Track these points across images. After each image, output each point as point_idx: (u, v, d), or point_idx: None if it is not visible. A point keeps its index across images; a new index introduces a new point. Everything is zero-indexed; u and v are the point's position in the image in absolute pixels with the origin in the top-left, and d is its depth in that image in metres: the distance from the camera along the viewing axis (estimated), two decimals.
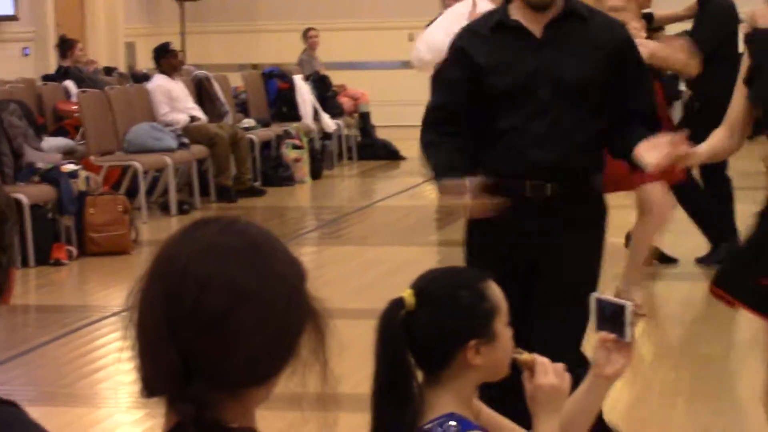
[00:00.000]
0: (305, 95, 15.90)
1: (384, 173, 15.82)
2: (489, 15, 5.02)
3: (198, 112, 13.96)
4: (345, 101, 17.02)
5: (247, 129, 14.36)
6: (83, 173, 11.22)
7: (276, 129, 15.09)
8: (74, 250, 10.74)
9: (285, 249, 2.04)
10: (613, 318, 2.92)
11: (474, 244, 4.90)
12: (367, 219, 12.99)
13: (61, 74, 14.69)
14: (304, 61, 17.25)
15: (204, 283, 1.93)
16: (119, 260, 10.72)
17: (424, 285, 3.02)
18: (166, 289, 1.94)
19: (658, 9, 9.44)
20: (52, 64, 16.26)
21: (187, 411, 1.91)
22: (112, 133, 12.89)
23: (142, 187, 12.38)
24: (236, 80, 16.08)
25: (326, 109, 16.21)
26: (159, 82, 13.75)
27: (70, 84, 13.88)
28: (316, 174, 15.20)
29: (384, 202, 13.71)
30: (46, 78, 14.80)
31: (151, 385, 1.98)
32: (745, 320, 6.66)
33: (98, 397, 7.23)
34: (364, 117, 17.42)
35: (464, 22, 7.77)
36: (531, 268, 4.76)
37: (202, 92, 14.49)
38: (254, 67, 18.23)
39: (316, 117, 15.90)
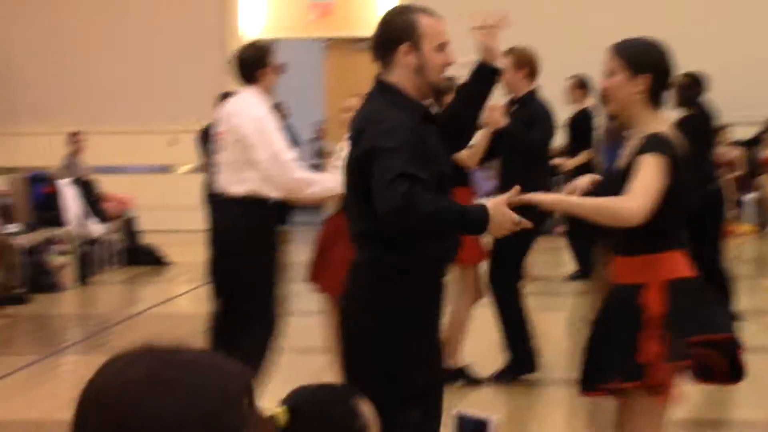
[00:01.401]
0: (71, 200, 15.66)
1: (150, 279, 15.65)
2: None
3: None
4: (111, 205, 16.83)
5: (12, 234, 14.02)
6: None
7: (41, 234, 14.76)
8: None
9: (210, 366, 1.92)
10: None
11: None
12: (137, 328, 12.78)
13: None
14: (69, 165, 17.00)
15: (115, 416, 1.84)
16: None
17: (297, 402, 2.97)
18: (91, 425, 1.86)
19: None
20: None
21: None
22: None
23: None
24: (0, 184, 15.74)
25: (93, 214, 15.98)
26: None
27: None
28: (83, 280, 14.92)
29: (152, 310, 13.55)
30: None
31: None
32: None
33: None
34: (130, 222, 17.26)
35: None
36: None
37: None
38: (10, 170, 17.93)
39: (83, 221, 15.66)
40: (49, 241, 14.72)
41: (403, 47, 4.91)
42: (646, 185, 4.98)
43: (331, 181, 7.86)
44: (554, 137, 9.66)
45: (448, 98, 6.97)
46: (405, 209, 4.62)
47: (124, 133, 19.87)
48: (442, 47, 4.96)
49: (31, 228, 14.81)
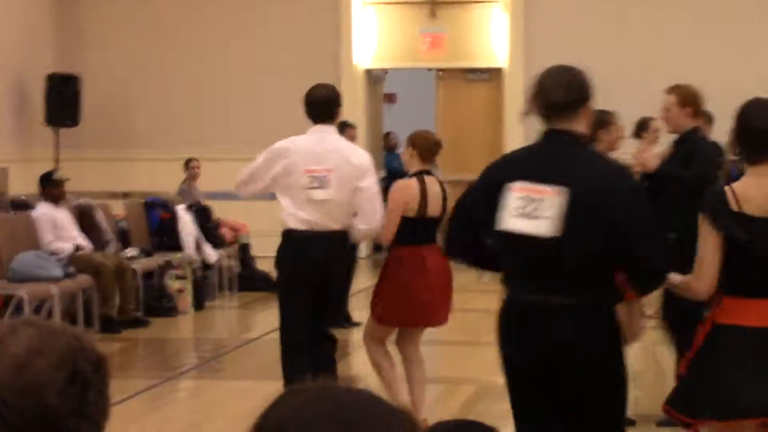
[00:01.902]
0: (187, 225, 15.81)
1: (264, 305, 15.67)
2: None
3: (83, 241, 13.76)
4: (225, 231, 16.97)
5: (130, 258, 14.15)
6: None
7: (158, 259, 14.91)
8: None
9: (381, 410, 1.95)
10: None
11: None
12: (252, 354, 12.79)
13: None
14: (185, 191, 17.16)
15: None
16: None
17: None
18: None
19: None
20: None
21: None
22: None
23: (28, 316, 12.00)
24: (117, 208, 15.90)
25: (207, 240, 16.11)
26: (44, 210, 13.58)
27: None
28: (198, 305, 15.05)
29: (267, 336, 13.57)
30: None
31: None
32: None
33: None
34: (244, 248, 17.38)
35: None
36: None
37: (84, 220, 14.28)
38: (125, 195, 18.11)
39: (198, 247, 15.78)
40: (166, 266, 14.88)
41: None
42: None
43: None
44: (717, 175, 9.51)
45: None
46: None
47: (236, 159, 19.92)
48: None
49: (147, 253, 14.97)
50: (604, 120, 9.27)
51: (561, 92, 5.39)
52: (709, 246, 5.35)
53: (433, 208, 8.55)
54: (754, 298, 5.41)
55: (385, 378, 8.82)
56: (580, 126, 5.44)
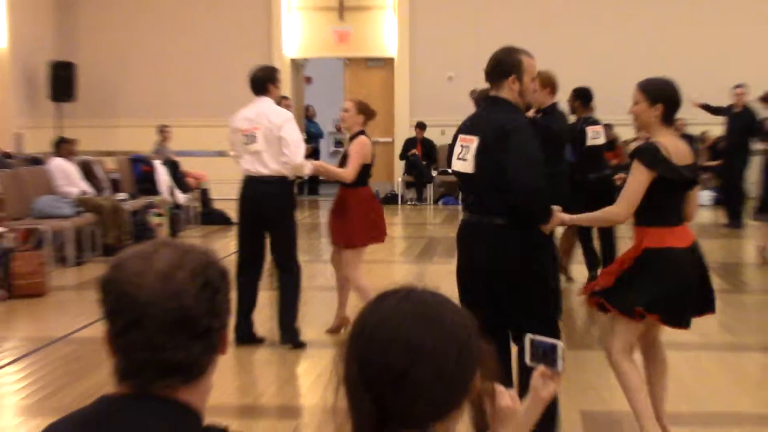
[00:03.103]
0: (162, 176, 15.75)
1: (221, 234, 15.76)
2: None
3: (86, 187, 13.68)
4: (190, 180, 16.89)
5: (121, 200, 14.12)
6: (10, 234, 10.87)
7: (142, 201, 14.84)
8: (4, 293, 10.36)
9: (455, 308, 1.93)
10: (546, 354, 2.74)
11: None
12: None
13: None
14: (159, 150, 17.06)
15: (386, 347, 1.84)
16: (38, 301, 10.39)
17: None
18: (358, 352, 1.88)
19: None
20: None
21: None
22: (22, 203, 12.52)
23: (48, 244, 12.01)
24: (109, 163, 15.82)
25: (177, 186, 16.06)
26: (57, 163, 13.43)
27: None
28: (173, 235, 15.00)
29: (226, 258, 13.63)
30: None
31: (357, 427, 1.88)
32: None
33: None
34: (204, 192, 17.32)
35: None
36: None
37: (86, 172, 14.20)
38: (111, 154, 17.99)
39: (171, 192, 15.76)
40: (148, 206, 14.77)
41: (511, 78, 5.20)
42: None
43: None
44: (568, 134, 9.66)
45: None
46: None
47: (197, 126, 19.95)
48: (534, 78, 5.27)
49: (133, 196, 14.89)
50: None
51: (489, 65, 5.27)
52: (641, 181, 5.13)
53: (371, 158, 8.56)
54: (675, 225, 5.28)
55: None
56: (506, 92, 5.20)
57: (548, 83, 9.10)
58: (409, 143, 19.98)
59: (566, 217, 5.32)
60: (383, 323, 1.86)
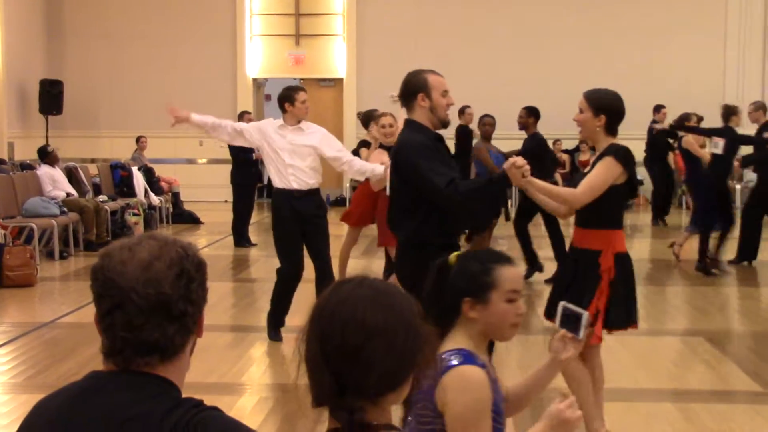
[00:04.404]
0: (139, 180, 15.57)
1: (190, 232, 15.63)
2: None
3: (71, 190, 13.50)
4: (163, 184, 16.71)
5: (102, 202, 13.94)
6: (2, 231, 10.67)
7: (120, 202, 14.66)
8: None
9: (402, 294, 1.95)
10: (572, 321, 2.75)
11: None
12: None
13: None
14: (136, 158, 16.90)
15: (344, 325, 1.85)
16: (27, 291, 10.21)
17: (463, 255, 2.82)
18: (319, 332, 1.88)
19: None
20: None
21: (342, 417, 1.85)
22: (14, 203, 12.31)
23: (36, 240, 11.81)
24: (91, 169, 15.61)
25: (152, 190, 15.88)
26: (45, 170, 13.24)
27: None
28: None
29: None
30: None
31: (317, 399, 1.88)
32: None
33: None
34: (176, 195, 17.12)
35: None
36: None
37: (71, 176, 14.02)
38: (93, 161, 17.77)
39: (146, 194, 15.58)
40: (126, 207, 14.61)
41: (420, 96, 4.82)
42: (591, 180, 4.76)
43: None
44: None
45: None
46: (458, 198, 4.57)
47: (170, 137, 19.73)
48: (445, 93, 4.86)
49: (113, 198, 14.68)
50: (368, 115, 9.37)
51: (400, 89, 4.93)
52: (612, 176, 4.72)
53: None
54: (620, 229, 4.91)
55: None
56: (418, 112, 4.82)
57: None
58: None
59: (530, 180, 4.54)
60: (341, 306, 1.87)
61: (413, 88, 4.84)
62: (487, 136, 11.53)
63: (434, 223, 4.68)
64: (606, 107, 4.84)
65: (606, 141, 4.87)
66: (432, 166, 4.63)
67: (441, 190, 4.57)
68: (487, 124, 11.59)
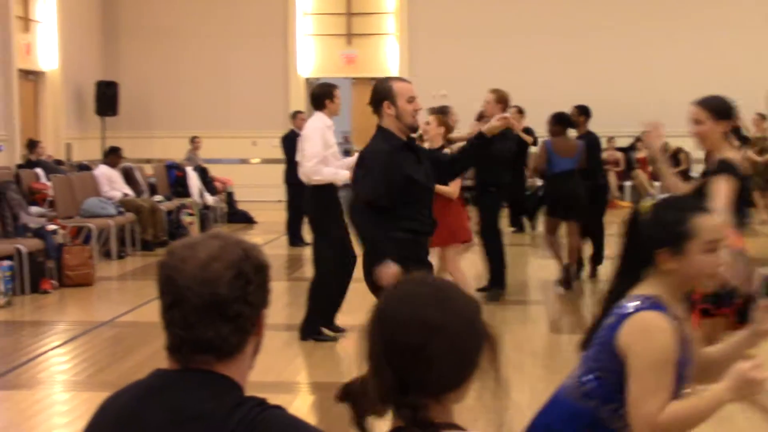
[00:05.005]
0: (193, 180, 15.72)
1: (245, 233, 15.74)
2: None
3: (128, 190, 13.67)
4: (217, 184, 16.84)
5: (158, 202, 14.10)
6: (61, 231, 10.85)
7: (176, 202, 14.81)
8: (56, 283, 10.34)
9: (462, 292, 1.93)
10: None
11: None
12: None
13: (32, 164, 14.13)
14: (190, 158, 17.06)
15: (405, 324, 1.85)
16: (86, 290, 10.38)
17: (658, 203, 2.70)
18: (380, 330, 1.88)
19: None
20: (17, 156, 15.65)
21: (406, 414, 1.85)
22: (72, 204, 12.50)
23: (94, 240, 11.99)
24: (147, 169, 15.79)
25: (207, 189, 16.02)
26: (103, 170, 13.44)
27: (39, 170, 13.37)
28: (202, 232, 14.97)
29: None
30: (20, 166, 14.18)
31: (382, 398, 1.87)
32: None
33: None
34: (230, 195, 17.24)
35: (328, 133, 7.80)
36: None
37: (128, 177, 14.20)
38: (148, 161, 17.97)
39: (201, 194, 15.72)
40: (181, 207, 14.73)
41: (385, 104, 4.91)
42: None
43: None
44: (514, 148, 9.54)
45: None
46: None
47: (224, 137, 19.92)
48: (411, 100, 4.94)
49: (168, 198, 14.83)
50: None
51: (369, 99, 5.03)
52: (732, 197, 4.43)
53: None
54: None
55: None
56: (386, 119, 4.93)
57: (501, 100, 9.01)
58: None
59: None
60: (402, 304, 1.87)
61: (379, 96, 4.93)
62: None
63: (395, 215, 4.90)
64: (726, 112, 4.66)
65: (726, 150, 4.64)
66: (374, 176, 4.84)
67: (357, 194, 4.94)
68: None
